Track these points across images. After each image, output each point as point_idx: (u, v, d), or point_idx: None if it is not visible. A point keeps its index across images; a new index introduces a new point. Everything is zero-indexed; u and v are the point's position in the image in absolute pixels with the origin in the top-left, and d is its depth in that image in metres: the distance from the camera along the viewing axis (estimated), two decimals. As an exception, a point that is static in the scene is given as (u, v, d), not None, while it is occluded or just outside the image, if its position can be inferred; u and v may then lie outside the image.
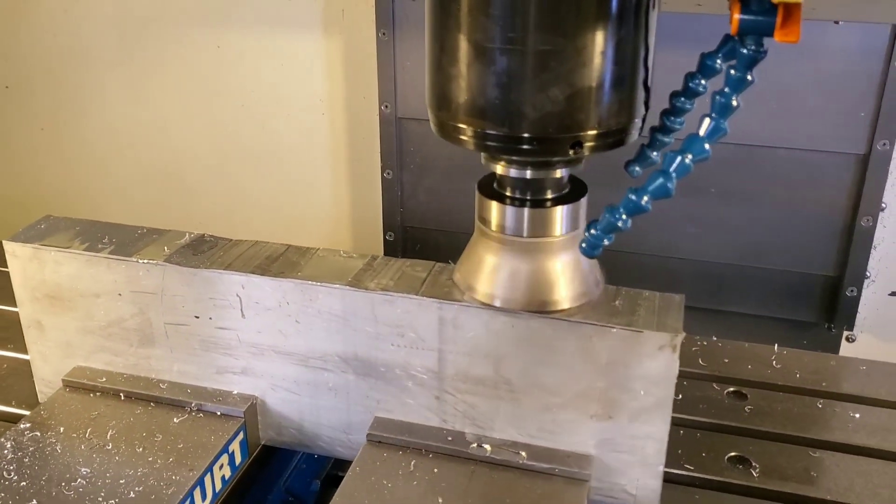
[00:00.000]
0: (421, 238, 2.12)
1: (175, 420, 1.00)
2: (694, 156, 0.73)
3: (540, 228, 0.86)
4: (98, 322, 1.04)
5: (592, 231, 0.79)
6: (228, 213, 2.20)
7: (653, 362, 0.85)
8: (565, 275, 0.87)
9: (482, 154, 0.87)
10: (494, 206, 0.87)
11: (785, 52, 1.56)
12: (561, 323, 0.87)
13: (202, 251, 1.01)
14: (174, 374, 1.05)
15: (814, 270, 1.76)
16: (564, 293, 0.87)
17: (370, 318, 0.93)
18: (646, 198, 0.75)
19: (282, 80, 2.13)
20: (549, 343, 0.88)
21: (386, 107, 2.02)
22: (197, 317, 1.00)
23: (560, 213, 0.86)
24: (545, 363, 0.89)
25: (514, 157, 0.83)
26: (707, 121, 0.73)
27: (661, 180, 0.73)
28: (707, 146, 0.73)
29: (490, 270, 0.88)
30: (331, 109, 2.13)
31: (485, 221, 0.88)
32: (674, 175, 0.73)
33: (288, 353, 0.98)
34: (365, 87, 2.06)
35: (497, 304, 0.87)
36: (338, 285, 0.93)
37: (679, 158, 0.73)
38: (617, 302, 0.89)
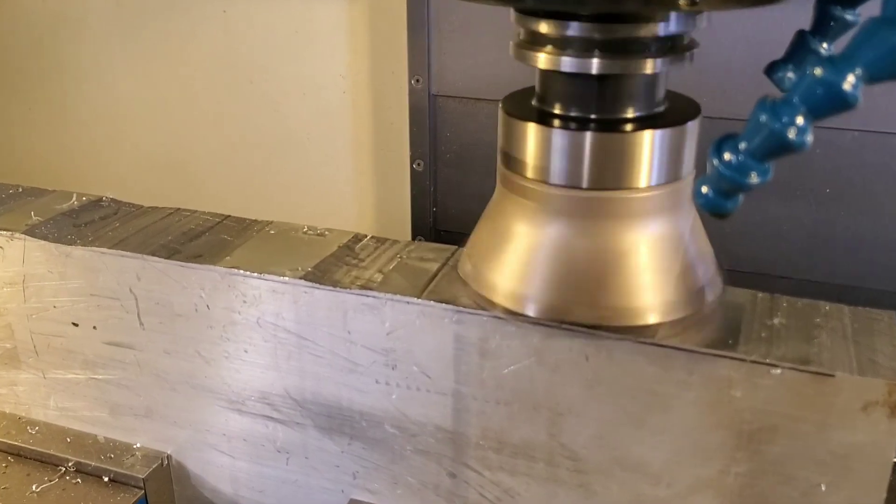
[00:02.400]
0: (457, 245, 1.74)
1: (35, 488, 0.63)
2: None
3: (614, 173, 0.47)
4: (-62, 328, 0.67)
5: (728, 156, 0.39)
6: (234, 208, 1.86)
7: (850, 432, 0.45)
8: (663, 261, 0.49)
9: (512, 43, 0.49)
10: (532, 131, 0.48)
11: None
12: (673, 354, 0.48)
13: (89, 221, 0.64)
14: (50, 413, 0.68)
15: None
16: (663, 295, 0.49)
17: (341, 336, 0.55)
18: (852, 76, 0.34)
19: (296, 51, 1.80)
20: (648, 388, 0.49)
21: (417, 81, 1.65)
22: (76, 324, 0.63)
23: (650, 145, 0.47)
24: (640, 424, 0.50)
25: (568, 32, 0.45)
26: None
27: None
28: None
29: (524, 253, 0.50)
30: (353, 87, 1.78)
31: (515, 165, 0.50)
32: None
33: (212, 390, 0.61)
34: (393, 59, 1.71)
35: (531, 312, 0.49)
36: (287, 278, 0.55)
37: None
38: (775, 320, 0.50)
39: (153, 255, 0.58)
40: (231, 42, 1.82)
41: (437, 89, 1.65)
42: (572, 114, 0.48)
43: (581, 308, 0.49)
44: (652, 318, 0.49)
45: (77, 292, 0.61)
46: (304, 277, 0.55)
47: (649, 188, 0.48)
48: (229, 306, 0.57)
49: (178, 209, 0.65)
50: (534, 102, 0.51)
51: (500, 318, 0.50)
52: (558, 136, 0.47)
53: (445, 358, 0.53)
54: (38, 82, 1.98)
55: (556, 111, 0.49)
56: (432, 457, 0.56)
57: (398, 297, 0.52)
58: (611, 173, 0.47)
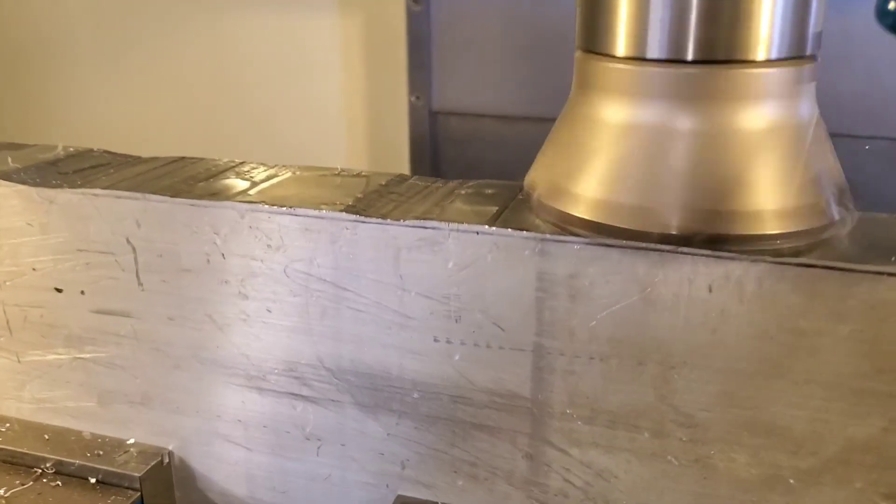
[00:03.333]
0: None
1: (2, 492, 0.51)
2: None
3: (726, 40, 0.38)
4: None
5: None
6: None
7: None
8: (785, 158, 0.40)
9: None
10: None
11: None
12: (823, 277, 0.38)
13: (78, 169, 0.53)
14: (25, 407, 0.56)
15: None
16: (786, 200, 0.39)
17: (391, 282, 0.44)
18: None
19: (289, 70, 1.72)
20: (791, 325, 0.39)
21: (417, 98, 1.58)
22: (59, 290, 0.52)
23: (771, 1, 0.38)
24: (778, 374, 0.40)
25: None
26: None
27: None
28: None
29: (616, 152, 0.41)
30: (349, 108, 1.70)
31: (600, 44, 0.41)
32: None
33: (225, 364, 0.50)
34: (392, 76, 1.64)
35: (625, 222, 0.40)
36: (324, 211, 0.45)
37: None
38: (939, 239, 0.40)
39: (157, 193, 0.47)
40: (221, 62, 1.74)
41: (437, 105, 1.57)
42: None
43: (687, 215, 0.39)
44: (772, 228, 0.39)
45: (62, 249, 0.50)
46: (346, 210, 0.44)
47: (768, 62, 0.39)
48: (250, 253, 0.46)
49: (183, 157, 0.55)
50: None
51: (595, 244, 0.40)
52: None
53: (524, 303, 0.42)
54: (14, 108, 1.89)
55: None
56: (504, 435, 0.45)
57: (466, 226, 0.42)
58: (722, 40, 0.38)
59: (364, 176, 0.51)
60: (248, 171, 0.52)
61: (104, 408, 0.54)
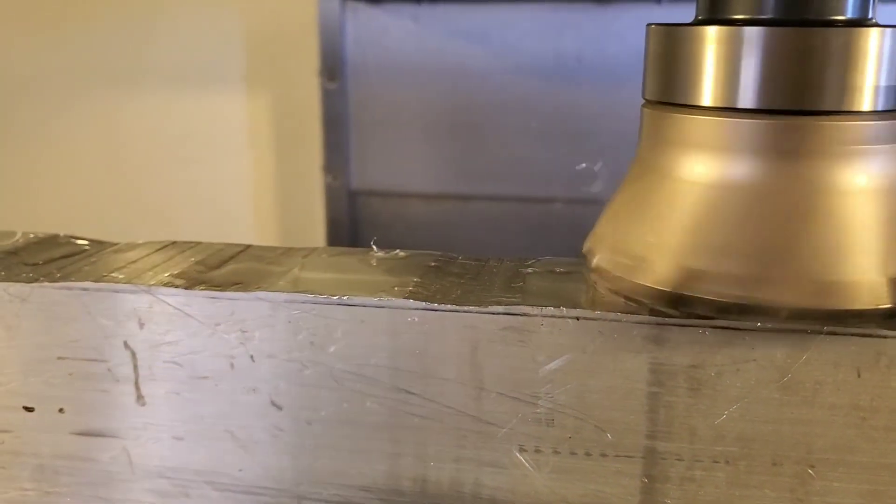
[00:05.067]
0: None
1: None
2: None
3: (830, 88, 0.34)
4: None
5: None
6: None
7: None
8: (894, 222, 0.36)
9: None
10: (713, 37, 0.35)
11: None
12: None
13: (49, 260, 0.44)
14: (-29, 558, 0.45)
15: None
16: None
17: (468, 382, 0.37)
18: None
19: (193, 156, 1.63)
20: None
21: (334, 178, 1.52)
22: (30, 409, 0.42)
23: (878, 49, 0.35)
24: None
25: None
26: None
27: None
28: None
29: (711, 214, 0.36)
30: (257, 190, 1.62)
31: (682, 94, 0.37)
32: None
33: (249, 490, 0.41)
34: (305, 156, 1.57)
35: (733, 296, 0.35)
36: (386, 298, 0.37)
37: None
38: None
39: (168, 286, 0.39)
40: (118, 144, 1.63)
41: (357, 185, 1.51)
42: (760, 17, 0.36)
43: (807, 286, 0.34)
44: (887, 300, 0.35)
45: (35, 357, 0.41)
46: (411, 297, 0.37)
47: (874, 114, 0.35)
48: (286, 354, 0.38)
49: (175, 242, 0.47)
50: (700, 17, 0.38)
51: (726, 327, 0.35)
52: (753, 37, 0.34)
53: (635, 400, 0.36)
54: None
55: (738, 15, 0.36)
56: (603, 557, 0.38)
57: (564, 310, 0.36)
58: (826, 89, 0.34)
59: (403, 256, 0.44)
60: (264, 255, 0.44)
61: (81, 553, 0.43)
